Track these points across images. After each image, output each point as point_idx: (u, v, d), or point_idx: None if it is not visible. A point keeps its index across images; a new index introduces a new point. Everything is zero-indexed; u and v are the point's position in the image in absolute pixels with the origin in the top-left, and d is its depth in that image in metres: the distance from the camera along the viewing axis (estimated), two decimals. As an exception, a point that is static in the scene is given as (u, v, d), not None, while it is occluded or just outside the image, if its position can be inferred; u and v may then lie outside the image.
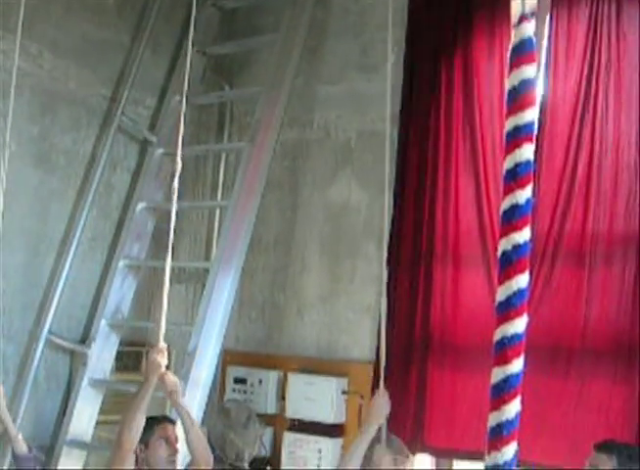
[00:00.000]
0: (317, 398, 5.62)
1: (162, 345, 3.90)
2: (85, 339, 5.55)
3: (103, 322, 5.50)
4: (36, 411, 5.34)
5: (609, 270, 4.64)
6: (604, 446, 3.80)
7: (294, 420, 5.81)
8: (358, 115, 5.83)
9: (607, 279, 4.64)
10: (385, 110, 4.33)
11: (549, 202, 4.80)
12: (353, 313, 5.69)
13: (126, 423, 3.95)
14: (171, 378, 4.04)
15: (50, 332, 5.35)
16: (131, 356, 5.84)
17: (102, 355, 5.51)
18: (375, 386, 5.27)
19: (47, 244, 5.43)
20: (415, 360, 5.18)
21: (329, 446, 5.56)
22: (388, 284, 5.29)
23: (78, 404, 5.38)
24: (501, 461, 1.67)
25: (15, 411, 5.06)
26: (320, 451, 5.57)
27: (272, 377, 5.94)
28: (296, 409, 5.75)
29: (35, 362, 5.28)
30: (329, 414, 5.59)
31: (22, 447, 4.28)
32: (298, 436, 5.71)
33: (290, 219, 6.18)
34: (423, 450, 5.21)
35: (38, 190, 5.34)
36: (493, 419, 1.65)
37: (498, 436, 1.66)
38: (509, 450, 1.66)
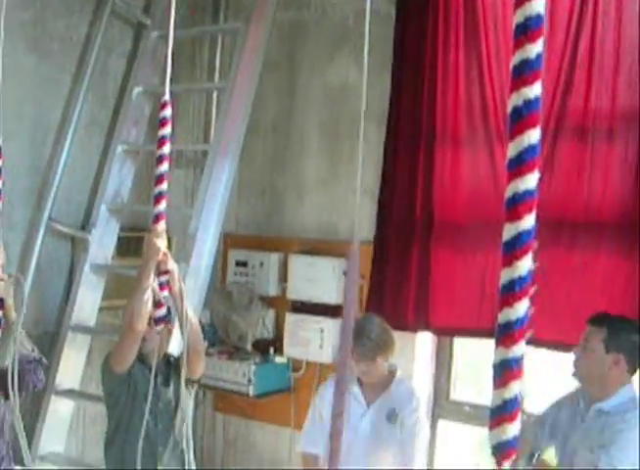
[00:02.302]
0: (318, 279, 5.66)
1: (162, 227, 3.81)
2: (86, 225, 5.55)
3: (103, 208, 5.49)
4: (39, 298, 5.38)
5: (611, 146, 4.61)
6: (594, 319, 3.84)
7: (295, 301, 5.88)
8: (355, -7, 5.72)
9: (609, 154, 4.61)
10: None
11: (551, 78, 4.74)
12: (354, 195, 5.68)
13: (134, 307, 3.99)
14: (170, 263, 3.98)
15: (50, 218, 5.34)
16: (132, 242, 5.84)
17: (103, 241, 5.53)
18: (374, 266, 5.33)
19: (44, 130, 5.39)
20: (417, 240, 5.18)
21: (331, 325, 5.61)
22: (388, 165, 5.30)
23: (81, 290, 5.42)
24: (513, 318, 1.66)
25: (18, 298, 5.09)
26: (322, 331, 5.63)
27: (273, 259, 5.98)
28: (297, 291, 5.81)
29: (37, 249, 5.29)
30: (330, 295, 5.63)
31: (27, 348, 4.26)
32: (300, 317, 5.77)
33: (288, 102, 6.12)
34: (425, 329, 5.26)
35: (32, 76, 5.27)
36: (505, 276, 1.64)
37: (510, 292, 1.65)
38: (521, 307, 1.65)
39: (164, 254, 3.89)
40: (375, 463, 4.48)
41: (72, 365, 5.44)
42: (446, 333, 5.35)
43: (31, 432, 5.22)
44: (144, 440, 4.27)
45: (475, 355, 5.66)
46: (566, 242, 4.74)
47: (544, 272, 4.61)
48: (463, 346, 5.61)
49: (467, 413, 5.39)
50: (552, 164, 4.74)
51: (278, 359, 5.89)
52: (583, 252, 4.67)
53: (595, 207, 4.64)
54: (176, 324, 4.19)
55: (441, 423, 5.56)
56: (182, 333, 4.05)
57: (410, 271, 5.20)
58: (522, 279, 1.62)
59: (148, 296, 3.97)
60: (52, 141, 5.43)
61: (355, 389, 4.57)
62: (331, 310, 5.67)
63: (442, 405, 5.48)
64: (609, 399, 3.75)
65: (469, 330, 5.03)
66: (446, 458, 5.64)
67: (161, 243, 3.87)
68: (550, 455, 3.92)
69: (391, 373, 4.62)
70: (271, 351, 5.91)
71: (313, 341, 5.66)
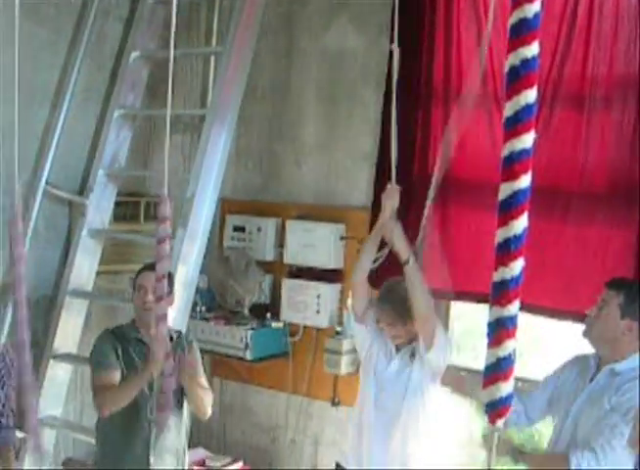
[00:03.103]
0: (315, 244, 5.68)
1: (165, 333, 3.82)
2: (83, 190, 5.54)
3: (100, 172, 5.48)
4: (37, 262, 5.36)
5: (608, 114, 4.60)
6: (612, 283, 3.83)
7: (292, 266, 5.89)
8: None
9: (606, 123, 4.60)
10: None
11: (549, 44, 4.72)
12: (351, 160, 5.69)
13: (116, 400, 4.14)
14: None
15: (48, 183, 5.34)
16: (129, 207, 5.85)
17: (100, 206, 5.52)
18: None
19: (41, 96, 5.35)
20: (413, 204, 5.18)
21: (327, 291, 5.66)
22: (386, 129, 5.28)
23: (78, 255, 5.42)
24: (508, 276, 1.68)
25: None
26: (319, 297, 5.66)
27: (270, 224, 5.99)
28: (294, 256, 5.82)
29: (34, 214, 5.28)
30: (327, 260, 5.65)
31: None
32: (297, 282, 5.79)
33: (285, 67, 6.10)
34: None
35: (29, 42, 5.21)
36: (501, 235, 1.66)
37: (506, 252, 1.67)
38: (516, 266, 1.67)
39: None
40: (401, 407, 4.45)
41: (70, 330, 5.44)
42: (443, 297, 5.33)
43: (29, 395, 5.25)
44: (137, 418, 4.31)
45: (472, 322, 5.67)
46: (560, 210, 4.74)
47: (539, 240, 4.64)
48: (460, 313, 5.62)
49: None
50: (548, 131, 4.73)
51: (275, 324, 5.90)
52: (578, 220, 4.68)
53: (590, 175, 4.64)
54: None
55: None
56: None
57: (406, 235, 5.19)
58: (517, 238, 1.63)
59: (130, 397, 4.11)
60: (48, 106, 5.40)
61: (389, 342, 4.52)
62: (328, 275, 5.71)
63: (439, 370, 5.47)
64: (621, 361, 3.75)
65: (466, 293, 5.02)
66: (443, 424, 5.66)
67: (166, 348, 3.90)
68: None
69: None
70: (268, 315, 5.92)
71: (310, 306, 5.68)
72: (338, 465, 4.71)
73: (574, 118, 4.69)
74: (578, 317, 4.23)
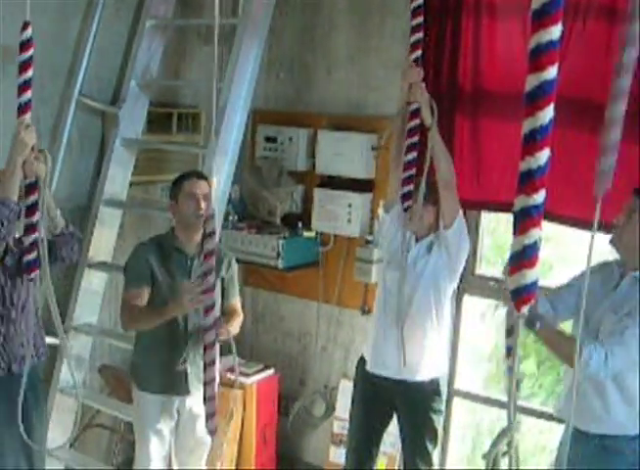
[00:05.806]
0: (347, 154, 5.70)
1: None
2: (116, 100, 5.57)
3: (132, 83, 5.49)
4: (71, 173, 5.43)
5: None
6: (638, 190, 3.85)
7: (324, 176, 5.94)
8: None
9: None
10: None
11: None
12: (383, 70, 5.67)
13: (136, 324, 4.42)
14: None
15: (81, 94, 5.37)
16: (162, 118, 5.87)
17: (133, 116, 5.54)
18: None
19: (73, 7, 5.34)
20: (443, 113, 5.15)
21: (358, 200, 5.71)
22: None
23: (112, 165, 5.47)
24: (534, 166, 1.71)
25: (50, 173, 5.16)
26: (350, 206, 5.71)
27: (302, 134, 6.01)
28: (326, 166, 5.86)
29: (68, 124, 5.33)
30: (359, 170, 5.68)
31: (61, 224, 4.28)
32: (329, 191, 5.84)
33: (317, -25, 6.06)
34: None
35: (60, -48, 5.23)
36: (527, 126, 1.68)
37: (532, 142, 1.69)
38: (543, 155, 1.70)
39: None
40: (414, 293, 4.56)
41: (105, 239, 5.53)
42: (475, 207, 5.35)
43: (65, 304, 5.35)
44: (173, 331, 4.40)
45: (502, 237, 5.70)
46: (591, 121, 4.72)
47: (570, 151, 4.63)
48: (491, 227, 5.65)
49: (491, 288, 5.43)
50: (581, 42, 4.70)
51: (306, 233, 5.97)
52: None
53: None
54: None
55: (466, 298, 5.62)
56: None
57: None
58: (543, 128, 1.65)
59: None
60: (80, 17, 5.39)
61: (408, 233, 4.57)
62: (359, 185, 5.75)
63: (468, 280, 5.51)
64: None
65: (499, 204, 5.04)
66: (471, 333, 5.74)
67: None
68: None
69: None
70: (300, 225, 5.98)
71: (341, 215, 5.72)
72: (362, 358, 4.80)
73: (607, 30, 4.64)
74: (609, 228, 4.26)
